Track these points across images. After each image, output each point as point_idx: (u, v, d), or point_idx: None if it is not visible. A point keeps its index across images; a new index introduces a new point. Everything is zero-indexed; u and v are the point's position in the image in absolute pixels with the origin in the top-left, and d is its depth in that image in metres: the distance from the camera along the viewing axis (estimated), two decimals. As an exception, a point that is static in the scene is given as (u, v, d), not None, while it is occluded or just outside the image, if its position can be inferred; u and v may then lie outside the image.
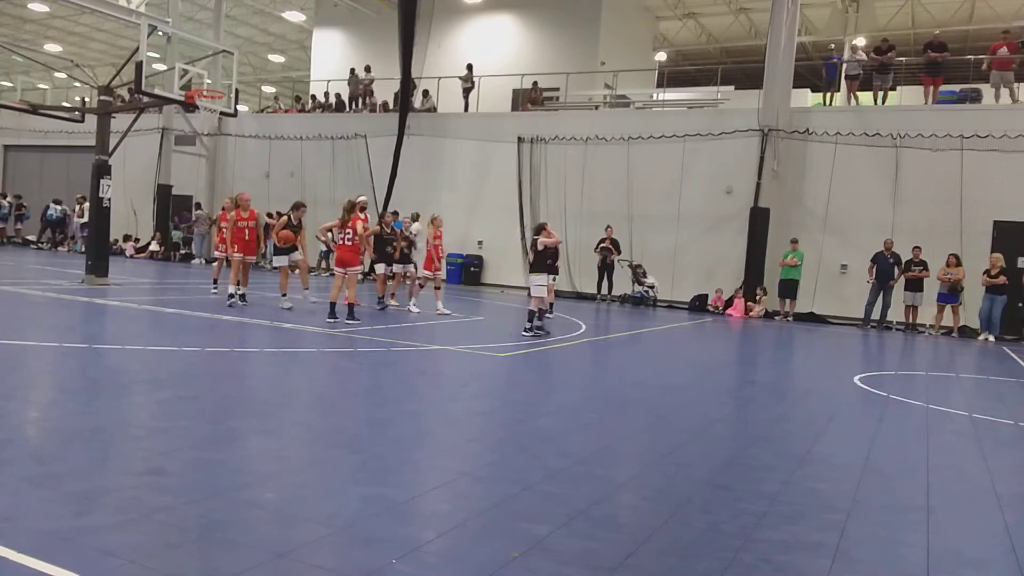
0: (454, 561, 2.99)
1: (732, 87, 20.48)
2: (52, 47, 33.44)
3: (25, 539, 2.78)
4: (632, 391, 7.21)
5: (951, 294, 15.06)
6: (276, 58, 35.12)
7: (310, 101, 25.28)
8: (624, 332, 13.00)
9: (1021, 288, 14.63)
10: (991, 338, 14.53)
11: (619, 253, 18.21)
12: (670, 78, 23.25)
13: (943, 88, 17.38)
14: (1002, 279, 14.46)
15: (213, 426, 4.75)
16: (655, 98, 21.47)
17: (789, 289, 16.79)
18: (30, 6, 28.48)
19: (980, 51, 18.41)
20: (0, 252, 21.45)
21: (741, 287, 17.21)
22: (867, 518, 3.85)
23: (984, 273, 14.64)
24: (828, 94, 18.89)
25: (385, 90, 23.03)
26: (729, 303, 17.25)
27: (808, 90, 20.19)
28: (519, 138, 20.18)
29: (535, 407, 6.18)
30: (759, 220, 17.22)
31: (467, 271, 20.90)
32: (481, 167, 20.79)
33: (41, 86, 30.92)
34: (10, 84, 18.87)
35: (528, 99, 21.39)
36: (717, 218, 17.83)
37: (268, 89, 36.46)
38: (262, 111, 27.35)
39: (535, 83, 21.33)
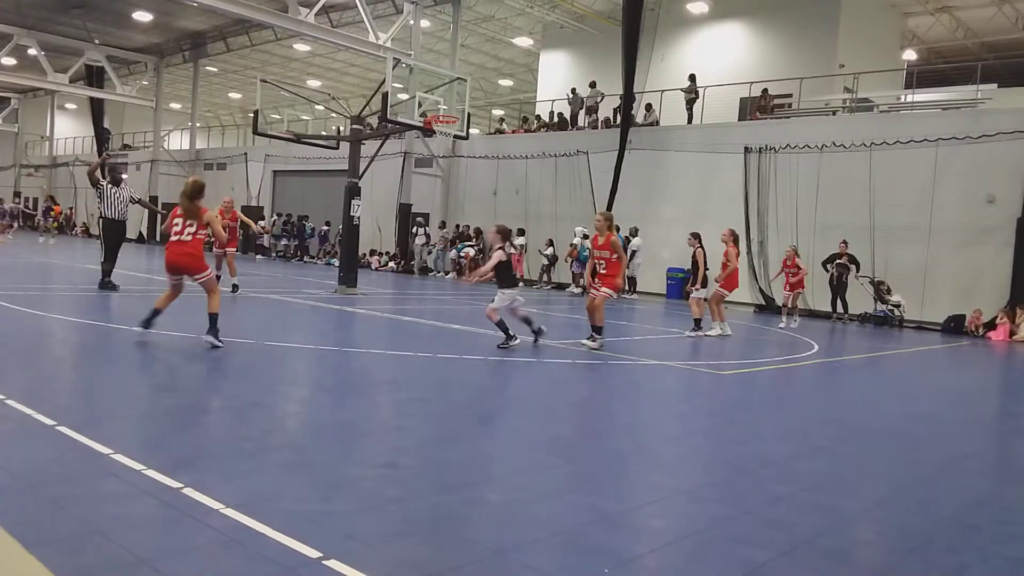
0: (667, 577, 2.95)
1: (995, 85, 18.29)
2: (313, 82, 37.62)
3: (280, 518, 3.14)
4: (870, 417, 6.65)
5: None
6: (505, 82, 36.81)
7: (535, 121, 26.23)
8: (863, 354, 12.02)
9: None
10: None
11: (858, 269, 16.89)
12: (920, 78, 21.21)
13: None
14: None
15: (442, 427, 5.08)
16: (902, 100, 19.71)
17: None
18: (295, 46, 32.23)
19: None
20: (284, 266, 24.43)
21: (1006, 307, 15.25)
22: None
23: None
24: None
25: (609, 106, 23.29)
26: (991, 325, 15.35)
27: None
28: (746, 148, 19.45)
29: (758, 429, 5.91)
30: (1028, 232, 15.17)
31: (685, 286, 20.44)
32: (705, 180, 20.29)
33: (304, 117, 34.89)
34: (278, 116, 21.55)
35: (757, 107, 20.58)
36: (976, 230, 15.94)
37: (497, 112, 38.27)
38: (491, 133, 28.76)
39: (765, 90, 20.47)
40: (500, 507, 3.59)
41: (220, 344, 7.16)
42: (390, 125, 16.60)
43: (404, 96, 17.51)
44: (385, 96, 16.03)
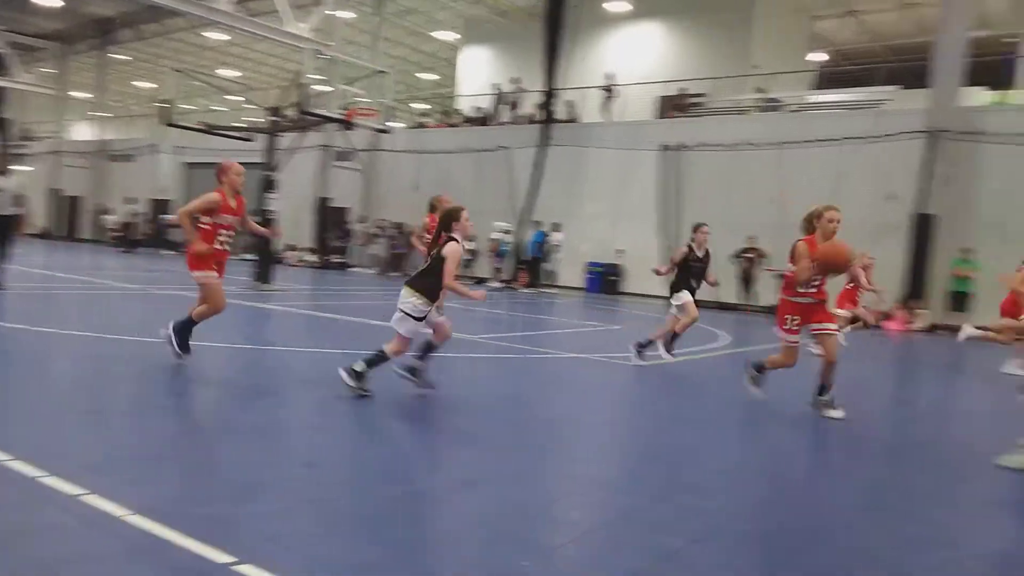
0: (585, 567, 3.01)
1: (898, 87, 19.25)
2: (229, 72, 36.46)
3: (190, 523, 3.03)
4: (780, 404, 6.91)
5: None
6: (427, 76, 36.53)
7: (457, 116, 26.20)
8: (772, 343, 12.46)
9: None
10: None
11: (765, 262, 17.56)
12: (830, 79, 22.12)
13: None
14: None
15: (361, 425, 5.02)
16: (809, 100, 20.53)
17: (959, 302, 15.53)
18: (208, 34, 31.20)
19: None
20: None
21: (902, 299, 16.10)
22: None
23: None
24: (1004, 92, 17.36)
25: (531, 102, 23.45)
26: (889, 315, 16.18)
27: (982, 88, 18.59)
28: (662, 145, 19.91)
29: (673, 418, 6.07)
30: (925, 228, 16.05)
31: (605, 280, 20.83)
32: (623, 176, 20.68)
33: (218, 108, 33.76)
34: (192, 107, 20.84)
35: (673, 106, 21.08)
36: (877, 226, 16.77)
37: (419, 106, 37.99)
38: (414, 127, 28.55)
39: (682, 90, 20.99)
40: (421, 503, 3.58)
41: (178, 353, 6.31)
42: (309, 117, 16.26)
43: (324, 88, 17.18)
44: (303, 87, 15.70)
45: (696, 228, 8.88)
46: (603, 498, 3.96)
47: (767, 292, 17.69)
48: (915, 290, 16.09)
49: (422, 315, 5.49)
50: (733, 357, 10.24)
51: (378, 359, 5.54)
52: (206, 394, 5.85)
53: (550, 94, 22.20)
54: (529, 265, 20.92)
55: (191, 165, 31.28)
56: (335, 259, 25.04)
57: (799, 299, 6.24)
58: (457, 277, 5.49)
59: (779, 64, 21.90)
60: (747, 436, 5.69)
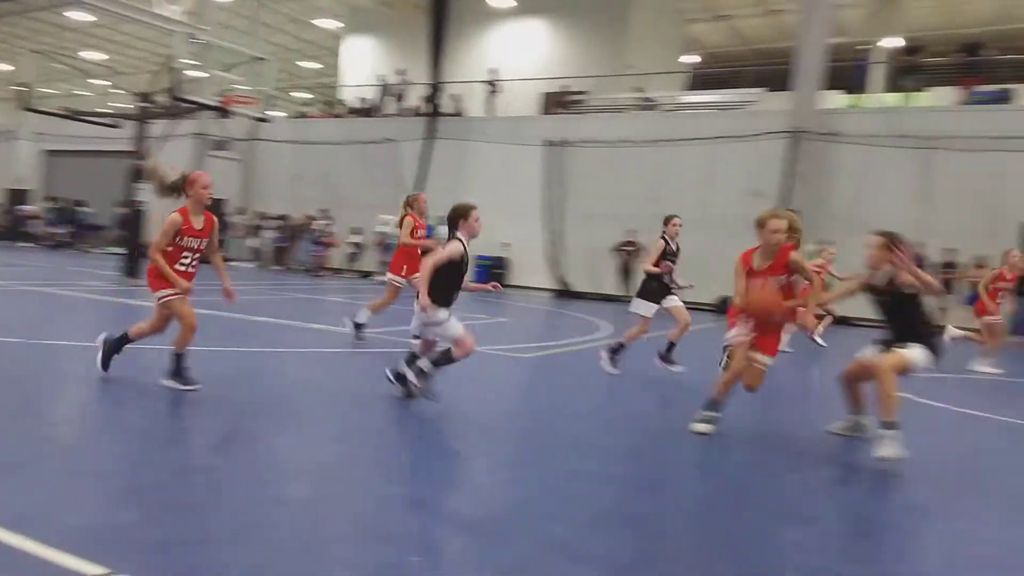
0: (472, 559, 3.07)
1: (765, 89, 20.37)
2: (93, 55, 34.21)
3: (57, 535, 2.90)
4: (659, 392, 7.25)
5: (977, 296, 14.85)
6: (310, 64, 35.55)
7: (341, 106, 25.70)
8: (650, 333, 12.98)
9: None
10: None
11: (643, 253, 18.26)
12: (701, 80, 23.13)
13: (977, 89, 17.14)
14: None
15: (241, 425, 4.91)
16: (682, 101, 21.42)
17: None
18: (70, 15, 29.17)
19: (1015, 51, 18.09)
20: (58, 256, 22.06)
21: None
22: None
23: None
24: (858, 96, 18.74)
25: (417, 94, 23.32)
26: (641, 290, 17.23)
27: (840, 92, 19.98)
28: (545, 141, 20.29)
29: (559, 408, 6.25)
30: (788, 223, 17.13)
31: (492, 273, 21.03)
32: (508, 170, 20.92)
33: (82, 93, 31.66)
34: (53, 91, 19.44)
35: (556, 102, 21.50)
36: (745, 221, 17.64)
37: (301, 95, 36.94)
38: (295, 117, 27.78)
39: (564, 87, 21.42)
40: (306, 504, 3.54)
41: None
42: (182, 104, 15.53)
43: (198, 74, 16.42)
44: (176, 72, 14.99)
45: (668, 220, 8.26)
46: (492, 490, 4.04)
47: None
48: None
49: (442, 321, 5.37)
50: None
51: (446, 359, 5.49)
52: (75, 396, 5.55)
53: (436, 87, 22.16)
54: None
55: (52, 153, 29.20)
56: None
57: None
58: (457, 279, 5.38)
59: (654, 65, 22.74)
60: (632, 425, 5.93)
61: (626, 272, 18.52)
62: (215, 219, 5.73)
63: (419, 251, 8.58)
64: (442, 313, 5.37)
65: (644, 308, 7.93)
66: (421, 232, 8.91)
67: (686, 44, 27.03)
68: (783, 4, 23.16)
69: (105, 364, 5.75)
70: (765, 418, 6.63)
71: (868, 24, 21.44)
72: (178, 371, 5.56)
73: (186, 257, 5.56)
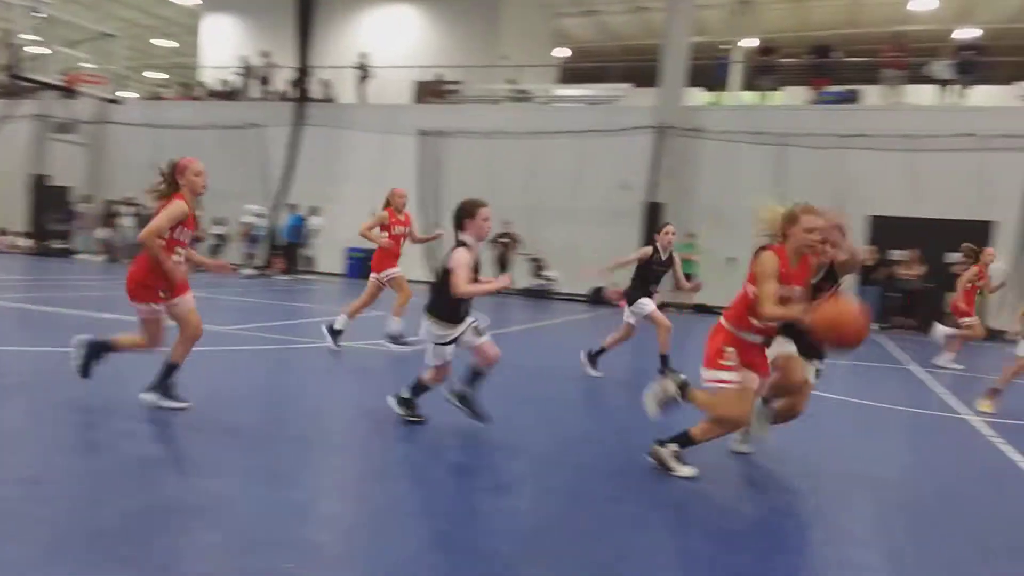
0: (351, 561, 2.98)
1: (632, 85, 20.99)
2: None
3: None
4: (536, 385, 7.29)
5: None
6: (165, 43, 33.51)
7: (200, 88, 24.35)
8: (523, 325, 13.14)
9: (892, 279, 15.69)
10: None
11: (519, 246, 18.44)
12: (572, 74, 23.55)
13: (826, 89, 18.37)
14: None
15: (93, 433, 4.52)
16: (554, 94, 21.75)
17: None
18: None
19: (861, 54, 19.51)
20: None
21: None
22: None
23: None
24: (719, 93, 19.67)
25: (283, 79, 22.44)
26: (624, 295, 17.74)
27: (702, 89, 20.89)
28: (420, 131, 20.07)
29: (437, 402, 6.15)
30: (654, 215, 17.76)
31: (366, 266, 20.62)
32: (382, 160, 20.55)
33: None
34: None
35: (430, 91, 21.29)
36: (614, 213, 18.24)
37: (156, 76, 34.77)
38: (150, 99, 26.09)
39: (438, 76, 21.23)
40: (170, 514, 3.30)
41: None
42: (21, 83, 14.23)
43: (40, 50, 15.06)
44: (14, 48, 13.69)
45: (660, 229, 7.91)
46: (369, 489, 3.93)
47: (522, 275, 18.61)
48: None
49: (443, 340, 4.84)
50: (492, 338, 10.62)
51: (419, 388, 5.09)
52: None
53: (304, 71, 21.44)
54: (285, 251, 20.10)
55: None
56: (55, 244, 22.23)
57: (746, 333, 4.23)
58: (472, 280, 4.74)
59: (527, 57, 22.97)
60: (505, 417, 5.91)
61: (503, 263, 18.61)
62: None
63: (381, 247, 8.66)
64: (448, 331, 4.85)
65: (642, 308, 7.63)
66: (401, 228, 8.81)
67: (557, 38, 27.46)
68: (649, 2, 23.94)
69: (85, 370, 5.05)
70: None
71: (727, 25, 22.52)
72: (165, 385, 4.93)
73: (179, 253, 4.95)
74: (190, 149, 22.56)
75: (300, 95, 21.42)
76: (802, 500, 4.29)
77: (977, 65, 17.31)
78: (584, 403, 6.84)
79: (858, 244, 11.39)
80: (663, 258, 7.70)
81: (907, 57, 17.70)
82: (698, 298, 17.50)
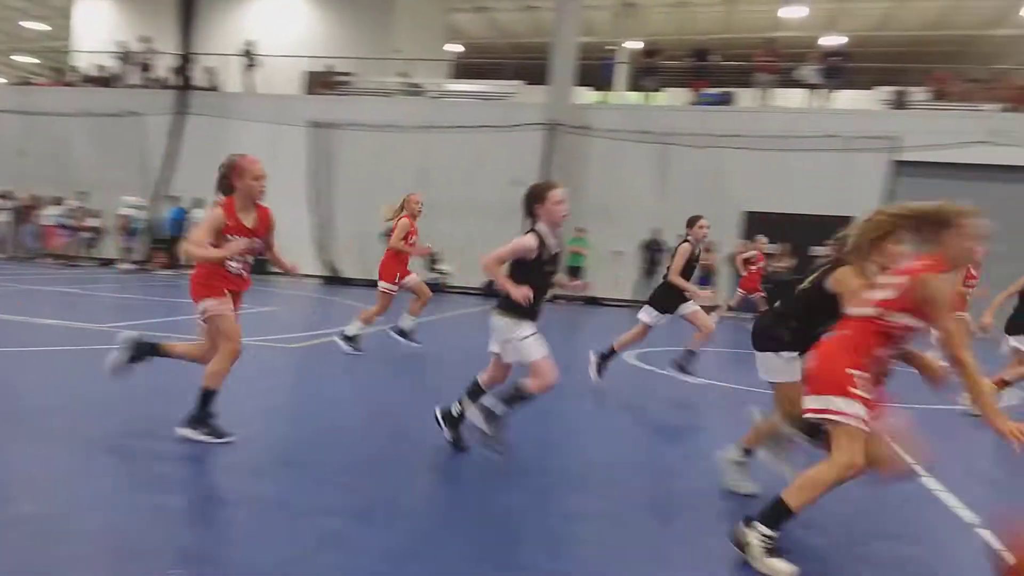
0: (242, 563, 2.99)
1: (523, 82, 21.30)
2: None
3: None
4: (430, 378, 7.44)
5: (705, 277, 16.98)
6: (36, 26, 31.39)
7: (74, 74, 23.02)
8: (420, 319, 13.21)
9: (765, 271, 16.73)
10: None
11: (416, 240, 18.46)
12: (465, 70, 23.65)
13: (705, 91, 19.28)
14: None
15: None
16: (447, 88, 21.82)
17: (574, 274, 17.96)
18: None
19: (736, 58, 20.54)
20: None
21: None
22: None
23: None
24: (606, 93, 20.30)
25: (164, 65, 21.52)
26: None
27: (590, 88, 21.47)
28: (310, 122, 19.72)
29: (330, 399, 6.21)
30: (546, 210, 18.19)
31: (256, 260, 20.13)
32: (271, 151, 19.98)
33: None
34: None
35: (320, 83, 20.94)
36: (508, 209, 18.42)
37: (25, 60, 32.51)
38: (18, 84, 24.45)
39: (329, 67, 20.90)
40: (37, 523, 3.19)
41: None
42: None
43: None
44: None
45: (694, 222, 7.23)
46: (262, 489, 3.92)
47: (415, 269, 18.59)
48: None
49: (524, 334, 4.26)
50: (386, 333, 10.67)
51: (517, 397, 4.33)
52: None
53: (186, 58, 20.65)
54: (167, 245, 19.34)
55: None
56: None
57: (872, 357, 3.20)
58: (539, 280, 4.21)
59: (419, 51, 22.94)
60: (398, 412, 6.03)
61: (399, 259, 18.58)
62: (270, 214, 4.78)
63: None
64: (525, 328, 4.29)
65: (647, 314, 7.19)
66: (415, 238, 8.48)
67: (450, 33, 27.51)
68: (539, 1, 24.37)
69: (123, 369, 4.75)
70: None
71: (613, 26, 23.22)
72: (205, 417, 4.44)
73: (235, 261, 4.55)
74: (62, 137, 21.62)
75: (182, 83, 20.63)
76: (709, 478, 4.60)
77: (842, 71, 18.58)
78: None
79: (733, 238, 12.14)
80: (698, 253, 7.23)
81: (778, 62, 18.82)
82: (588, 290, 18.09)
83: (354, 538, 3.27)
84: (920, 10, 23.41)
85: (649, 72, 19.41)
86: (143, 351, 4.73)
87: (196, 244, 4.40)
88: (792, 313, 4.00)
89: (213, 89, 20.99)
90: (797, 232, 16.97)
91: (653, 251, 17.63)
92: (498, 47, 28.65)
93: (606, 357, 7.16)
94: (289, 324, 11.34)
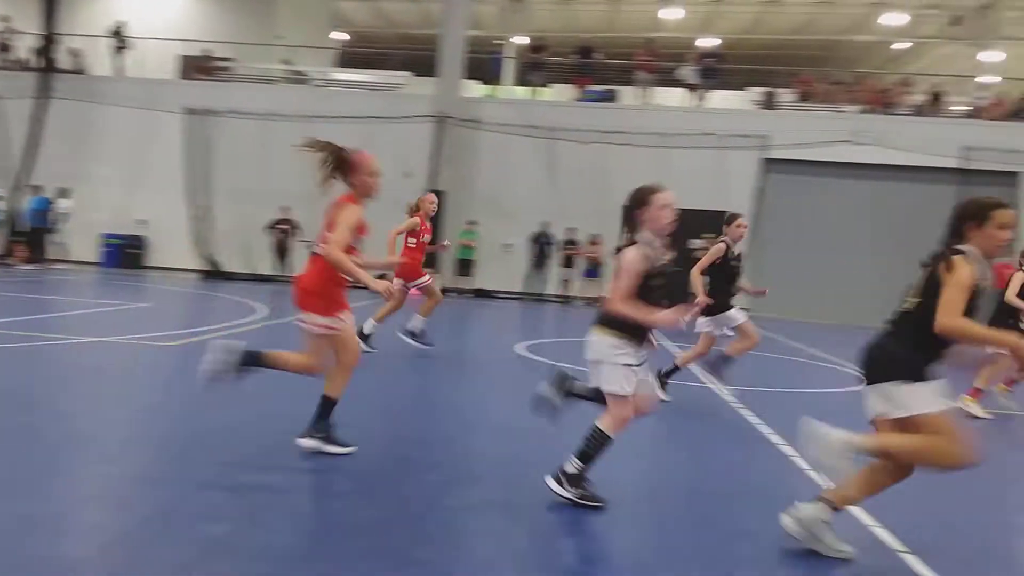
0: (121, 574, 2.89)
1: (411, 73, 21.13)
2: None
3: None
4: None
5: (593, 270, 17.51)
6: None
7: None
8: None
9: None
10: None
11: (299, 233, 18.02)
12: (350, 59, 23.21)
13: (589, 88, 19.74)
14: None
15: None
16: (333, 77, 21.37)
17: (465, 267, 18.04)
18: None
19: (619, 57, 21.12)
20: None
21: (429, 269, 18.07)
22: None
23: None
24: (494, 87, 20.44)
25: (25, 46, 20.04)
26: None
27: (478, 82, 21.54)
28: (187, 109, 18.86)
29: (211, 398, 5.98)
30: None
31: (125, 254, 19.11)
32: (143, 138, 19.07)
33: None
34: None
35: (197, 68, 20.04)
36: (397, 200, 18.25)
37: None
38: None
39: (206, 51, 20.03)
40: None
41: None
42: None
43: None
44: None
45: (732, 221, 6.83)
46: (140, 494, 3.75)
47: (302, 262, 18.18)
48: (428, 258, 18.09)
49: (625, 359, 3.74)
50: (270, 328, 10.39)
51: (595, 442, 3.77)
52: None
53: (50, 38, 19.30)
54: (29, 237, 18.02)
55: None
56: None
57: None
58: (647, 298, 3.68)
59: (304, 38, 22.34)
60: (284, 411, 5.88)
61: (282, 251, 18.08)
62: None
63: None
64: (628, 355, 3.79)
65: (704, 323, 6.70)
66: (427, 236, 8.71)
67: (335, 21, 26.92)
68: (427, -9, 24.24)
69: (220, 377, 4.42)
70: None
71: (501, 21, 23.38)
72: (326, 427, 4.37)
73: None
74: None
75: (45, 65, 19.27)
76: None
77: (717, 71, 19.46)
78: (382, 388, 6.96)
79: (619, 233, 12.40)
80: (735, 253, 6.78)
81: (657, 62, 19.50)
82: (477, 283, 18.21)
83: (242, 543, 3.19)
84: (788, 15, 24.80)
85: (536, 68, 19.70)
86: (248, 361, 4.49)
87: (344, 253, 4.29)
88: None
89: (79, 72, 19.72)
90: (677, 226, 17.69)
91: (542, 244, 17.96)
92: (385, 37, 28.27)
93: (669, 373, 6.86)
94: (166, 321, 10.84)
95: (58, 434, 4.66)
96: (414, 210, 8.82)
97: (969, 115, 19.23)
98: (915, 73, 23.00)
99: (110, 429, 4.99)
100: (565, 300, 17.92)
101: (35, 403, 5.44)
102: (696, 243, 17.80)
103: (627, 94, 19.70)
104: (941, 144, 17.00)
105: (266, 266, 18.15)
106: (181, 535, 3.23)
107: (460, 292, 17.96)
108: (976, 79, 22.30)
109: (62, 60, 19.67)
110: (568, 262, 17.99)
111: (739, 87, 20.72)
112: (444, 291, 18.00)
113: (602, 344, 3.77)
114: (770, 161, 17.97)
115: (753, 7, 24.07)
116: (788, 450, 5.22)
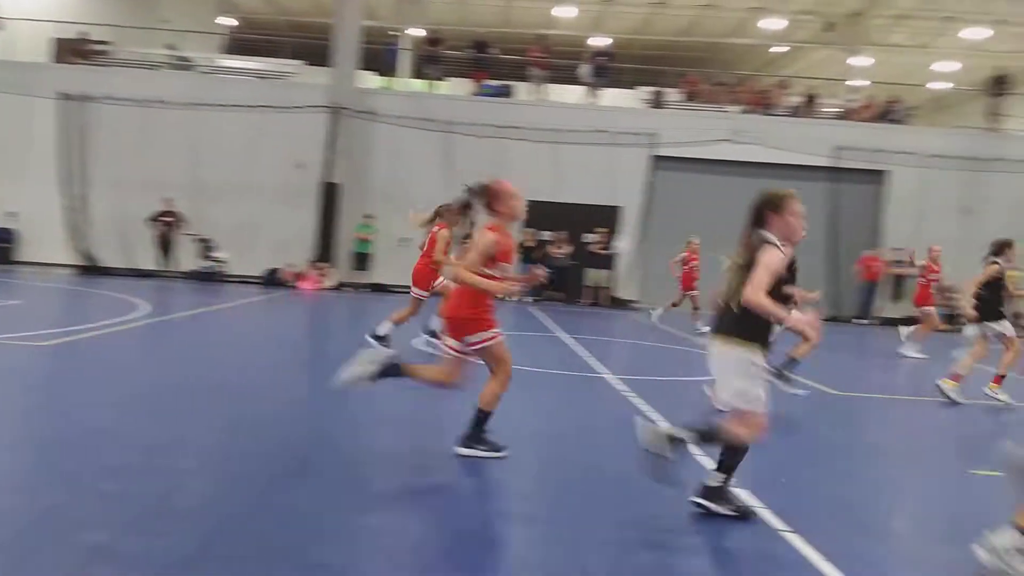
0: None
1: (303, 62, 20.63)
2: None
3: None
4: (205, 374, 7.10)
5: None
6: None
7: None
8: (194, 310, 12.51)
9: (546, 257, 17.65)
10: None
11: (184, 225, 17.34)
12: (239, 45, 22.42)
13: (485, 82, 19.85)
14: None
15: None
16: (220, 64, 20.63)
17: (361, 261, 17.83)
18: None
19: (513, 52, 21.32)
20: None
21: (313, 259, 17.71)
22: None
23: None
24: (390, 79, 20.24)
25: None
26: (301, 276, 17.61)
27: (374, 73, 21.26)
28: (60, 94, 17.79)
29: (86, 400, 5.73)
30: (331, 195, 17.83)
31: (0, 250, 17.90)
32: (12, 126, 17.86)
33: None
34: None
35: (72, 51, 18.91)
36: (290, 192, 17.95)
37: None
38: None
39: (82, 34, 18.92)
40: None
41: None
42: None
43: None
44: None
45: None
46: (15, 502, 3.58)
47: (187, 257, 17.50)
48: (324, 252, 17.80)
49: (759, 370, 3.61)
50: (153, 326, 10.01)
51: (731, 457, 3.66)
52: None
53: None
54: None
55: None
56: None
57: None
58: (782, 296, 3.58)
59: (189, 23, 21.44)
60: (170, 412, 5.71)
61: (165, 245, 17.32)
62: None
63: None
64: (759, 361, 3.65)
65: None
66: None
67: (222, 5, 25.90)
68: (319, -21, 23.65)
69: (359, 383, 4.54)
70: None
71: (396, 11, 23.14)
72: (480, 435, 4.59)
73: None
74: None
75: None
76: (477, 463, 4.80)
77: (608, 70, 19.96)
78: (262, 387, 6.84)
79: (935, 246, 12.13)
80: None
81: (551, 59, 19.82)
82: (374, 277, 18.05)
83: (125, 550, 3.09)
84: (674, 17, 25.63)
85: (432, 60, 19.64)
86: (388, 372, 4.59)
87: (472, 271, 4.52)
88: None
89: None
90: (572, 220, 18.12)
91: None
92: (275, 24, 27.41)
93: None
94: (39, 319, 10.24)
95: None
96: (430, 221, 8.39)
97: (840, 116, 20.53)
98: (791, 76, 24.30)
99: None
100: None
101: None
102: (590, 237, 18.31)
103: (522, 90, 19.94)
104: (815, 143, 18.08)
105: (148, 261, 17.36)
106: (61, 542, 3.11)
107: (356, 287, 17.75)
108: (847, 82, 23.79)
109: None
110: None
111: (629, 86, 21.32)
112: (340, 286, 17.86)
113: (743, 361, 3.61)
114: (659, 158, 18.62)
115: (642, 8, 24.74)
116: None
